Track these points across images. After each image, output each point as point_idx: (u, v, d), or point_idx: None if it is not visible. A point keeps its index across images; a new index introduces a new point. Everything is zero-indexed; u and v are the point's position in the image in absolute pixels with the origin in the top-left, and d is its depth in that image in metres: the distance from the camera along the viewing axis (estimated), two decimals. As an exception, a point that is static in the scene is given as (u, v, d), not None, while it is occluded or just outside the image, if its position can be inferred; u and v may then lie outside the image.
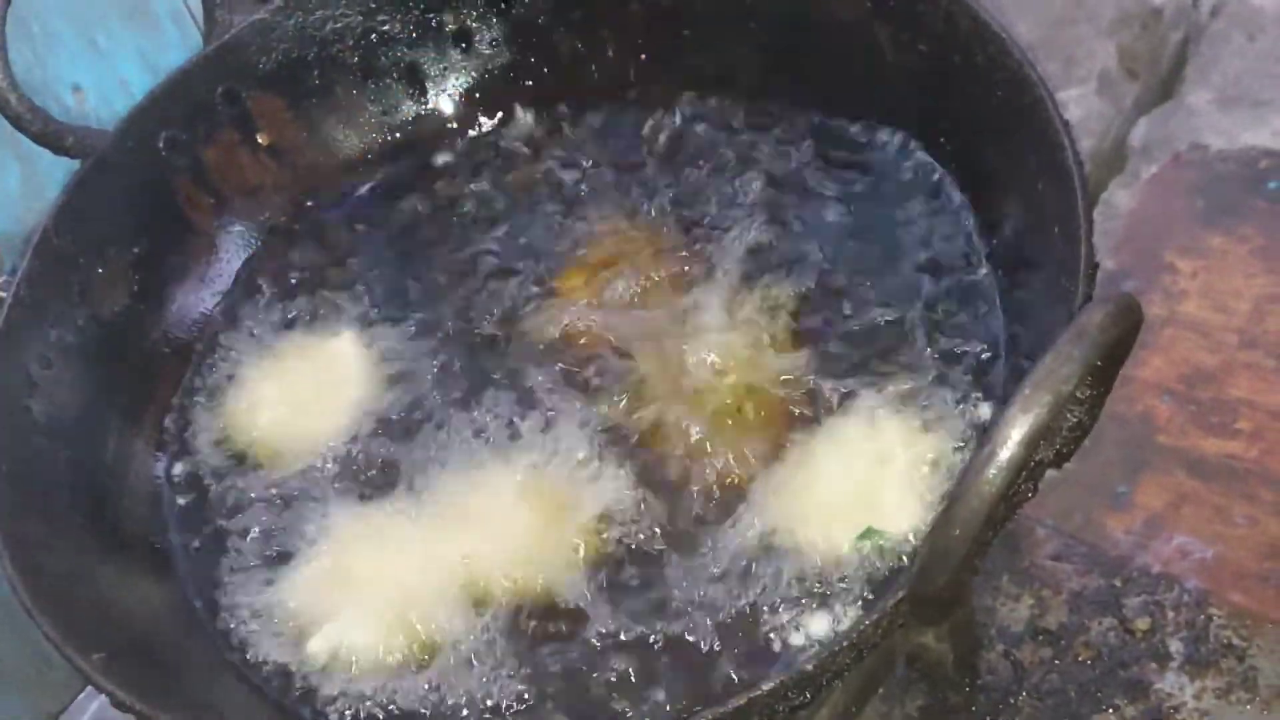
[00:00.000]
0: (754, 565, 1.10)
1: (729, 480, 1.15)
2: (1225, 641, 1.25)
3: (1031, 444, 0.82)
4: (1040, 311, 1.09)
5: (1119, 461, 1.38)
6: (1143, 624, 1.27)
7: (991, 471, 0.82)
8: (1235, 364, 1.41)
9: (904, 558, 1.06)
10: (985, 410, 1.12)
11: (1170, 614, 1.27)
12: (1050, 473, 0.94)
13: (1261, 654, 1.24)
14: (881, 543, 1.06)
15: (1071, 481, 1.34)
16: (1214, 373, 1.41)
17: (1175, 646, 1.25)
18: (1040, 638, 1.28)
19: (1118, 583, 1.30)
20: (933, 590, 0.87)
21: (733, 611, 1.08)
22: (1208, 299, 1.47)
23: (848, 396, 1.17)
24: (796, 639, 1.06)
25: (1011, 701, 1.25)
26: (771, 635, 1.06)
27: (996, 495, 0.82)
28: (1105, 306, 0.85)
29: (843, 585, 1.07)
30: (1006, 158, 1.16)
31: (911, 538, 1.06)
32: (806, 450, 1.14)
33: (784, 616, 1.07)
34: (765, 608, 1.08)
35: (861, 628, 0.91)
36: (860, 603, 1.06)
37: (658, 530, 1.14)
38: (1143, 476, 1.36)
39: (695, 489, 1.15)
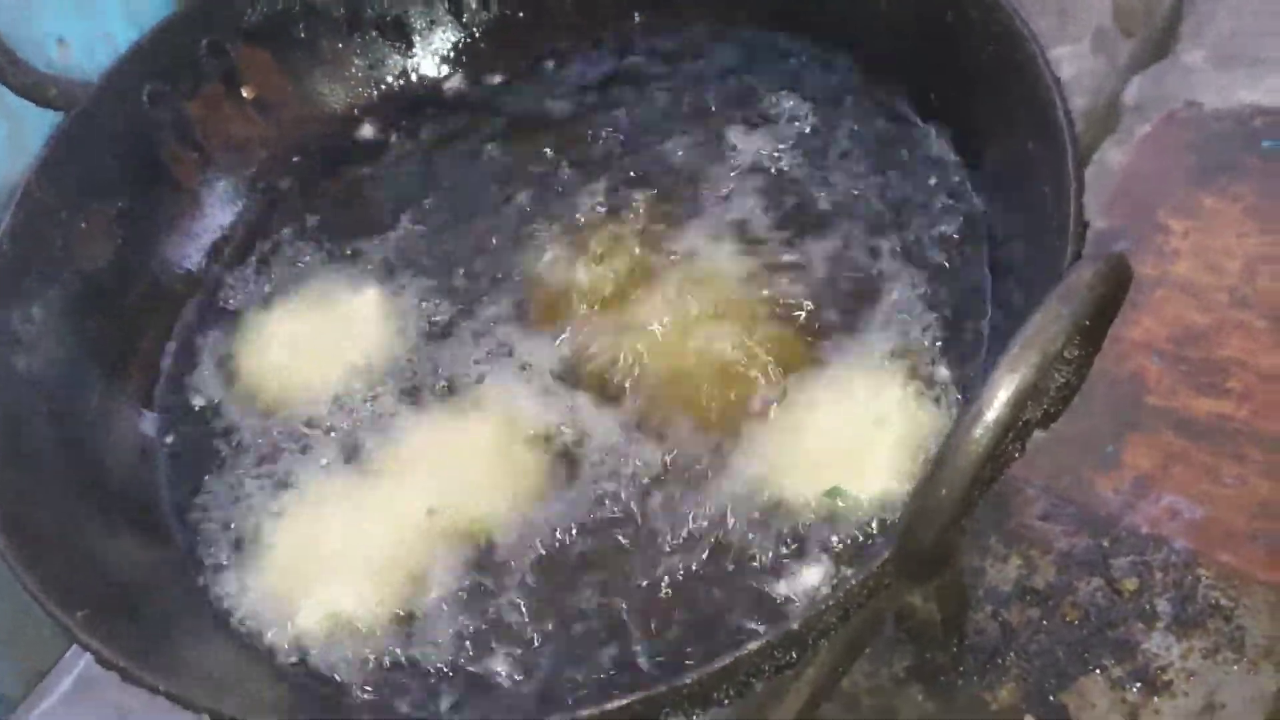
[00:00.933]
0: (735, 513, 1.10)
1: (716, 423, 1.15)
2: (1213, 602, 1.25)
3: (1019, 403, 0.81)
4: (1030, 270, 1.09)
5: (1108, 421, 1.37)
6: (1130, 584, 1.27)
7: (978, 431, 0.81)
8: (1226, 324, 1.41)
9: (869, 520, 1.06)
10: (972, 368, 1.11)
11: (1158, 574, 1.27)
12: (1038, 433, 0.94)
13: (1249, 614, 1.24)
14: (843, 502, 1.06)
15: (1060, 441, 1.34)
16: (1204, 332, 1.41)
17: (1163, 607, 1.26)
18: (1028, 598, 1.28)
19: (1106, 543, 1.30)
20: (919, 549, 0.87)
21: (710, 558, 1.08)
22: (1199, 258, 1.46)
23: (829, 352, 1.16)
24: (778, 589, 1.06)
25: (999, 662, 1.25)
26: (752, 585, 1.06)
27: (983, 455, 0.82)
28: (1094, 264, 0.84)
29: (814, 539, 1.07)
30: (997, 114, 1.15)
31: (875, 501, 1.06)
32: (792, 401, 1.14)
33: (765, 567, 1.07)
34: (743, 556, 1.08)
35: (848, 586, 0.91)
36: (828, 560, 1.06)
37: (639, 473, 1.14)
38: (1132, 436, 1.36)
39: (679, 432, 1.15)
